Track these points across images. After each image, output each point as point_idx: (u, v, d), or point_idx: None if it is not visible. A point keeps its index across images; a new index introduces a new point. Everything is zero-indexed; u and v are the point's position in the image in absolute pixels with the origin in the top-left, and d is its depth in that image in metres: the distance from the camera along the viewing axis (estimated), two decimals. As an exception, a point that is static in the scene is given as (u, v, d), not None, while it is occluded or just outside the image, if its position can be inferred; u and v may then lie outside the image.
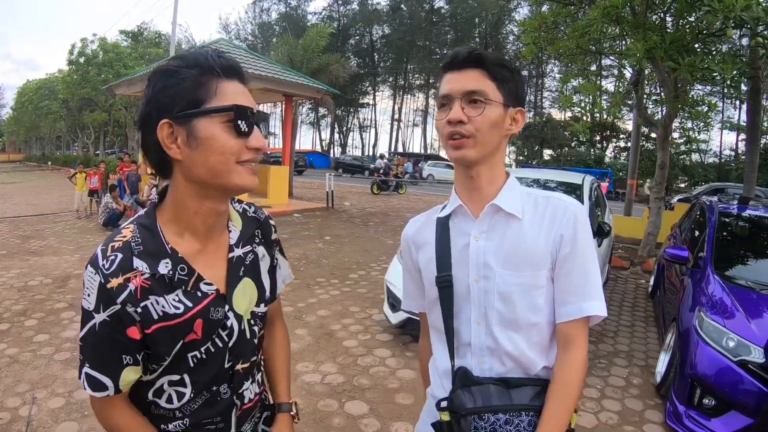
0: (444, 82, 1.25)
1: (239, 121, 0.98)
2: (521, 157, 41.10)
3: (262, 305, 1.21)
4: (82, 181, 12.56)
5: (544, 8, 9.99)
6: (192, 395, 1.10)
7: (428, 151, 52.43)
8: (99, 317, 0.99)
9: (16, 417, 3.32)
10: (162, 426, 1.11)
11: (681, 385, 3.53)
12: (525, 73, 46.83)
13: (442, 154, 53.77)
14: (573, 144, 37.95)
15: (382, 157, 28.85)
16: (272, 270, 1.28)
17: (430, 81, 51.82)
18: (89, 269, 1.00)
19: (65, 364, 4.11)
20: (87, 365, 1.03)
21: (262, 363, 1.32)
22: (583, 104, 9.83)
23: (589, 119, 27.28)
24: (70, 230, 10.47)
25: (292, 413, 1.33)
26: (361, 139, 56.62)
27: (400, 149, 52.86)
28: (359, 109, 53.42)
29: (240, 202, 1.25)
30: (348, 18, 49.81)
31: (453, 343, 1.30)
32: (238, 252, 1.15)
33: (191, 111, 0.97)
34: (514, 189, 1.29)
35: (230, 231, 1.16)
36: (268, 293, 1.23)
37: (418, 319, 4.74)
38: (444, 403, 1.25)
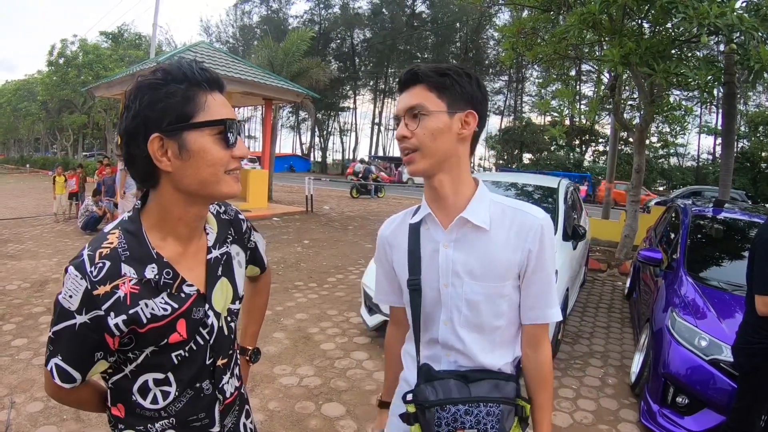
0: (398, 102, 1.33)
1: (228, 134, 1.03)
2: (501, 161, 41.41)
3: (237, 302, 1.26)
4: (61, 184, 12.42)
5: (524, 14, 10.13)
6: (177, 393, 1.14)
7: (409, 155, 52.57)
8: (80, 318, 1.02)
9: (-6, 422, 3.29)
10: (149, 426, 1.14)
11: (654, 385, 3.61)
12: (504, 78, 47.30)
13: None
14: (552, 148, 38.31)
15: (362, 161, 28.88)
16: (253, 256, 1.40)
17: (411, 85, 51.92)
18: (73, 272, 1.02)
19: (43, 368, 4.06)
20: (59, 357, 1.07)
21: (238, 350, 1.37)
22: (560, 108, 9.95)
23: (566, 124, 27.64)
24: (49, 234, 10.32)
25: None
26: (342, 142, 56.51)
27: (381, 153, 52.96)
28: (340, 112, 53.36)
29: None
30: (329, 22, 49.72)
31: (419, 340, 1.41)
32: (216, 253, 1.20)
33: (182, 125, 1.00)
34: (483, 199, 1.35)
35: (207, 233, 1.20)
36: (240, 291, 1.28)
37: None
38: (409, 396, 1.36)
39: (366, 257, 8.59)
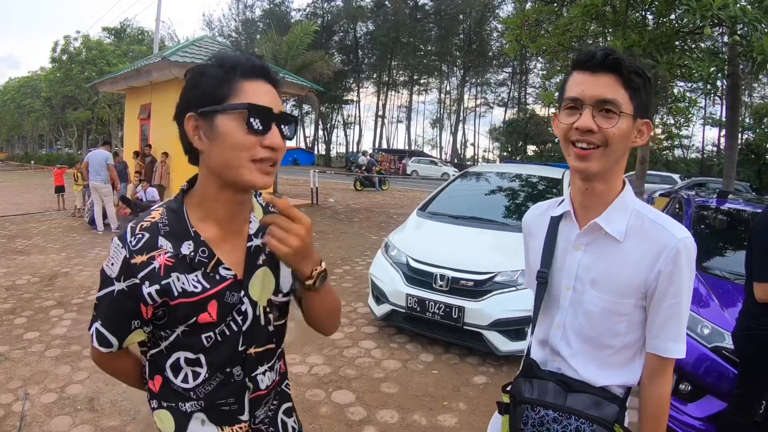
0: (574, 83, 1.21)
1: (252, 119, 1.03)
2: (505, 153, 41.30)
3: (280, 295, 1.24)
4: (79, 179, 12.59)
5: (528, 6, 10.11)
6: (207, 376, 1.16)
7: (412, 148, 52.56)
8: (119, 285, 1.08)
9: (10, 412, 3.37)
10: (180, 404, 1.18)
11: (658, 372, 3.65)
12: (508, 69, 47.12)
13: (427, 150, 54.04)
14: (556, 140, 38.08)
15: (365, 153, 28.89)
16: None
17: (414, 77, 51.85)
18: (116, 242, 1.09)
19: (56, 360, 4.15)
20: (99, 322, 1.14)
21: (280, 353, 1.33)
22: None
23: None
24: (56, 229, 10.42)
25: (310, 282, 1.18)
26: (345, 135, 56.53)
27: (384, 146, 52.93)
28: (343, 105, 53.21)
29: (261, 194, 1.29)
30: (332, 14, 49.49)
31: (535, 334, 1.39)
32: (257, 242, 1.20)
33: (211, 107, 1.04)
34: (625, 207, 1.26)
35: (251, 222, 1.21)
36: (287, 284, 1.25)
37: (402, 311, 4.80)
38: (507, 387, 1.36)
39: (372, 249, 8.63)
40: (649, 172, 13.22)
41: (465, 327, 4.29)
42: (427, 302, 4.44)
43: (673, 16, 7.68)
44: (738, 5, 5.91)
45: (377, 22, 48.52)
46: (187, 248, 1.10)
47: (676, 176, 22.40)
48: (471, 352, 4.54)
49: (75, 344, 4.48)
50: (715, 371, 3.33)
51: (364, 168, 23.80)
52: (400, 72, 52.66)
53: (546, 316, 1.36)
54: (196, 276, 1.11)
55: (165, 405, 1.20)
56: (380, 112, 53.24)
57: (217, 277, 1.12)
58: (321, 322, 1.31)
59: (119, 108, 27.35)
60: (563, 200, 1.38)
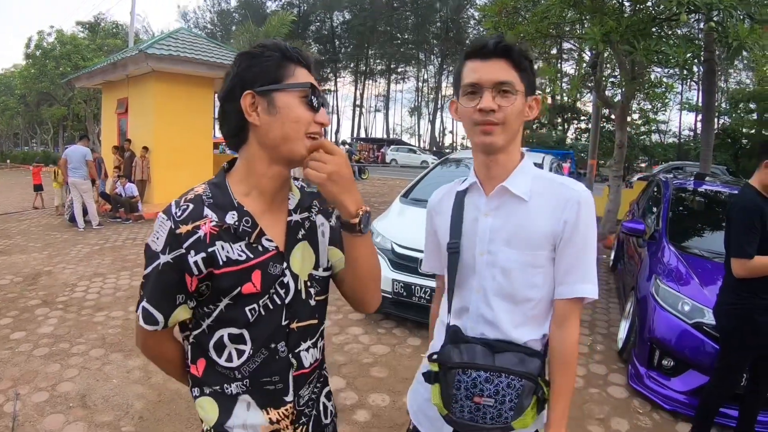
0: (469, 70, 1.32)
1: (312, 97, 1.14)
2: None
3: (321, 269, 1.29)
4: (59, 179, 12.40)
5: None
6: (251, 352, 1.18)
7: (391, 136, 52.54)
8: (164, 258, 1.11)
9: (1, 414, 3.34)
10: (225, 386, 1.20)
11: (641, 349, 3.77)
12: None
13: (405, 138, 53.99)
14: (535, 126, 38.32)
15: (344, 143, 28.81)
16: (334, 236, 1.31)
17: (392, 66, 51.80)
18: (162, 216, 1.13)
19: (45, 359, 4.12)
20: (145, 300, 1.15)
21: (323, 330, 1.35)
22: (542, 87, 10.01)
23: (549, 102, 27.69)
24: (36, 228, 10.27)
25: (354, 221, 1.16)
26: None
27: (363, 135, 52.81)
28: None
29: (296, 179, 1.35)
30: (308, 4, 49.16)
31: (452, 304, 1.44)
32: (296, 217, 1.25)
33: (273, 86, 1.12)
34: (526, 172, 1.39)
35: (289, 199, 1.26)
36: (325, 260, 1.30)
37: (388, 297, 4.85)
38: (434, 356, 1.39)
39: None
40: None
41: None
42: (413, 287, 4.51)
43: (649, 3, 7.77)
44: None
45: (354, 11, 48.30)
46: (231, 218, 1.14)
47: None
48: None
49: (63, 342, 4.45)
50: (696, 346, 3.45)
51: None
52: (378, 61, 52.59)
53: (463, 284, 1.42)
54: (240, 246, 1.14)
55: (208, 391, 1.22)
56: (358, 102, 53.27)
57: (260, 248, 1.16)
58: (365, 283, 1.28)
59: (95, 103, 26.86)
60: (466, 179, 1.48)
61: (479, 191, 1.41)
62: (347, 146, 26.26)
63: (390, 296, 4.67)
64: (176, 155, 11.59)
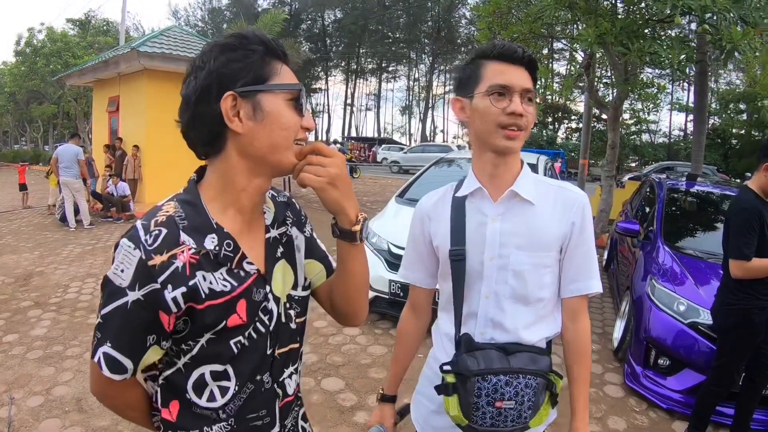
0: (496, 72, 1.33)
1: (301, 100, 1.00)
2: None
3: (299, 288, 1.17)
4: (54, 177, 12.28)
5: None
6: (236, 389, 1.03)
7: (382, 135, 52.52)
8: (133, 295, 0.92)
9: (-4, 417, 3.30)
10: (205, 428, 1.03)
11: (637, 348, 3.79)
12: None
13: (396, 137, 53.96)
14: (527, 126, 38.34)
15: (335, 142, 28.66)
16: (310, 248, 1.24)
17: (383, 65, 51.80)
18: (126, 243, 0.93)
19: (39, 362, 4.08)
20: (108, 344, 0.95)
21: (302, 353, 1.23)
22: (537, 87, 10.02)
23: (540, 101, 27.79)
24: (27, 227, 10.16)
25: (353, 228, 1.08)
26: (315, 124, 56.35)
27: (354, 134, 52.75)
28: (312, 94, 52.74)
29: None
30: (300, 2, 49.07)
31: (461, 312, 1.42)
32: (274, 233, 1.13)
33: (260, 86, 0.97)
34: (528, 176, 1.42)
35: (265, 213, 1.13)
36: (303, 278, 1.19)
37: (385, 297, 4.85)
38: (447, 367, 1.36)
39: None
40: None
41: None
42: (409, 287, 4.50)
43: (642, 5, 7.80)
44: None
45: (345, 9, 48.24)
46: (210, 242, 0.97)
47: None
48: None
49: (56, 345, 4.40)
50: (691, 345, 3.48)
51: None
52: (369, 60, 52.62)
53: (470, 291, 1.41)
54: (222, 274, 0.99)
55: None
56: (349, 100, 53.28)
57: (242, 273, 1.02)
58: (361, 294, 1.19)
59: (86, 101, 26.65)
60: (460, 183, 1.47)
61: (484, 196, 1.42)
62: (339, 145, 26.08)
63: (387, 297, 4.67)
64: (168, 154, 11.42)
